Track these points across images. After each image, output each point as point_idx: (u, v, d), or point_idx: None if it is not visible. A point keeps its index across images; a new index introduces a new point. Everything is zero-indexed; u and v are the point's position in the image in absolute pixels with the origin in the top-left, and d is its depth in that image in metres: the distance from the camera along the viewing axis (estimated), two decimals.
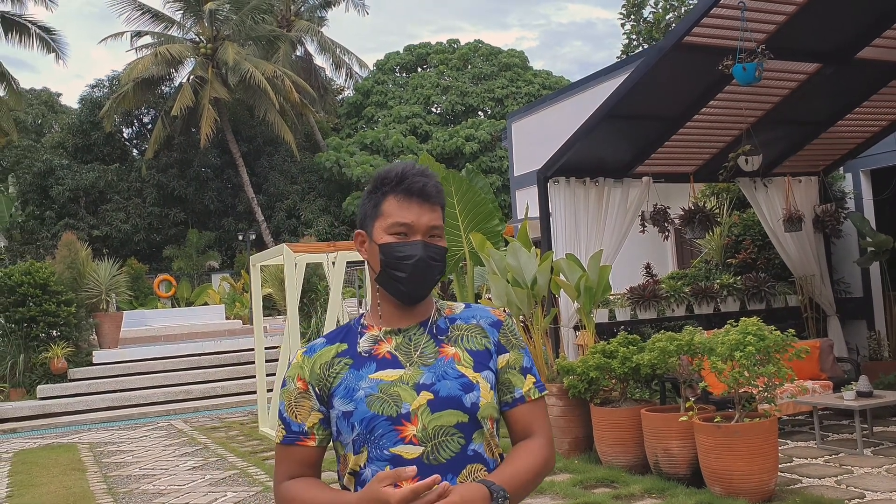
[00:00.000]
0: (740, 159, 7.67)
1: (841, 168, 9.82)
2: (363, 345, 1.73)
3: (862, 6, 6.94)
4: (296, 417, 1.73)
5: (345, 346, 1.74)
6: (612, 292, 9.13)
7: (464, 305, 1.81)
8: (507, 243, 9.29)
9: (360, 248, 1.79)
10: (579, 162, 8.28)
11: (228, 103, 31.59)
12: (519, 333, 1.80)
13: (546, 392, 1.79)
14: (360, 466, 1.65)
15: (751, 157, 7.61)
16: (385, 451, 1.62)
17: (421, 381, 1.66)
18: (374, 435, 1.63)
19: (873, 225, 9.48)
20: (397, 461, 1.61)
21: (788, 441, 7.34)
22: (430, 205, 1.71)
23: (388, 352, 1.71)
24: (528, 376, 1.75)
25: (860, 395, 6.80)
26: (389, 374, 1.68)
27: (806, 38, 7.13)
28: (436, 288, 9.25)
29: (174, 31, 32.41)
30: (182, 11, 31.85)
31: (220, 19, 31.20)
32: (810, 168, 9.43)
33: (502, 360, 1.74)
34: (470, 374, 1.67)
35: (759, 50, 6.32)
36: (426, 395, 1.64)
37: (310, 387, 1.72)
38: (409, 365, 1.69)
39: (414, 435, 1.62)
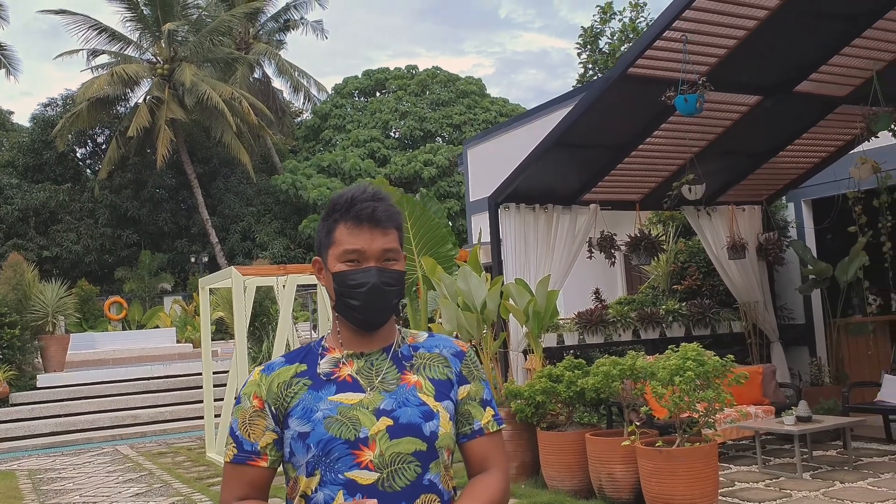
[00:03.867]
0: (684, 188, 7.85)
1: (783, 198, 10.10)
2: (323, 366, 1.70)
3: (799, 42, 7.18)
4: (249, 436, 1.68)
5: (304, 367, 1.71)
6: (563, 317, 9.24)
7: (427, 334, 1.80)
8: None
9: (318, 275, 1.78)
10: (529, 189, 8.39)
11: (185, 124, 31.33)
12: (480, 366, 1.80)
13: (504, 426, 1.78)
14: (311, 490, 1.61)
15: (694, 187, 7.80)
16: (339, 475, 1.59)
17: (381, 407, 1.64)
18: (330, 458, 1.60)
19: (814, 253, 9.75)
20: (351, 486, 1.58)
21: (732, 465, 7.46)
22: (381, 229, 1.68)
23: (349, 375, 1.69)
24: (488, 409, 1.74)
25: (800, 419, 6.95)
26: (349, 398, 1.66)
27: (746, 72, 7.36)
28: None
29: (131, 51, 32.12)
30: (139, 32, 31.60)
31: (178, 40, 31.02)
32: (753, 197, 9.68)
33: (463, 391, 1.72)
34: (431, 402, 1.66)
35: (701, 82, 6.51)
36: (385, 421, 1.62)
37: (266, 405, 1.68)
38: (370, 389, 1.67)
39: (370, 460, 1.59)
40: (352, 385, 1.68)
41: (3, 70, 28.58)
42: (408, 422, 1.63)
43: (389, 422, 1.62)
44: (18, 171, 32.99)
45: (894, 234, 8.46)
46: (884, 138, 8.05)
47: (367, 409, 1.64)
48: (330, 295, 1.74)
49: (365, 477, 1.59)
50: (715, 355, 5.94)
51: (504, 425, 1.79)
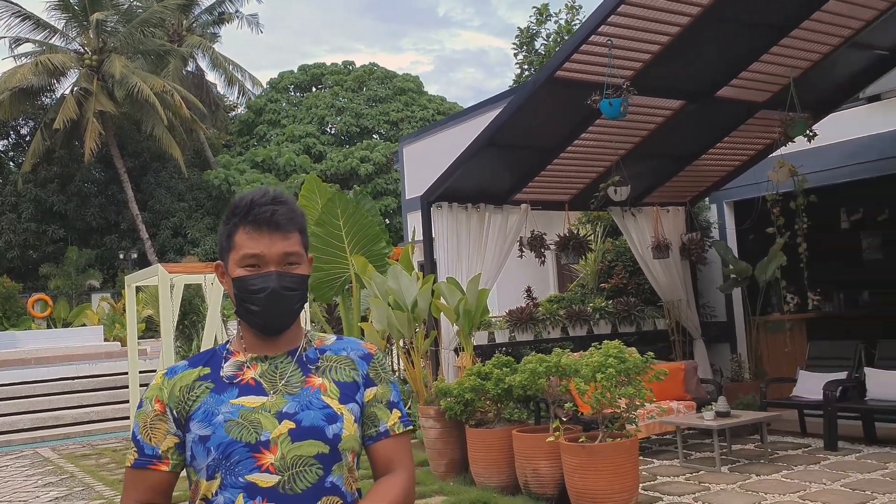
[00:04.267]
0: (610, 190, 8.03)
1: (706, 199, 10.42)
2: (227, 370, 1.71)
3: (720, 49, 7.42)
4: (150, 440, 1.68)
5: (207, 371, 1.71)
6: (497, 315, 9.36)
7: (335, 337, 1.81)
8: None
9: (221, 279, 1.77)
10: (461, 188, 8.46)
11: (114, 117, 30.51)
12: (389, 368, 1.81)
13: (412, 427, 1.78)
14: (212, 493, 1.61)
15: (619, 188, 7.99)
16: (240, 479, 1.59)
17: (283, 410, 1.64)
18: (231, 461, 1.60)
19: (735, 253, 10.09)
20: (252, 489, 1.59)
21: (654, 460, 7.66)
22: (281, 233, 1.68)
23: (252, 378, 1.69)
24: (395, 411, 1.75)
25: (719, 415, 7.18)
26: (252, 401, 1.66)
27: (670, 77, 7.56)
28: (322, 312, 9.11)
29: (57, 41, 31.10)
30: (66, 20, 30.61)
31: (107, 31, 30.16)
32: (677, 199, 9.96)
33: (369, 393, 1.73)
34: (335, 405, 1.67)
35: (625, 86, 6.67)
36: (288, 424, 1.63)
37: (167, 409, 1.68)
38: (273, 393, 1.68)
39: (271, 463, 1.60)
40: (255, 388, 1.68)
41: None
42: (310, 424, 1.64)
43: (292, 425, 1.63)
44: None
45: (810, 235, 8.81)
46: (800, 143, 8.37)
47: (270, 412, 1.64)
48: (232, 300, 1.74)
49: (265, 480, 1.60)
50: (637, 352, 6.10)
51: (411, 427, 1.79)
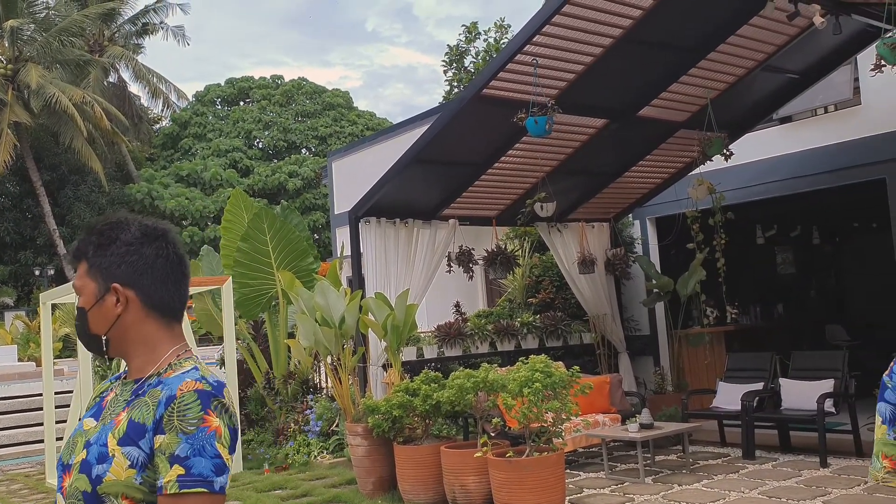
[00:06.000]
0: (536, 206, 8.15)
1: (630, 215, 10.67)
2: (110, 388, 1.74)
3: (641, 70, 7.63)
4: None
5: (109, 387, 1.74)
6: (426, 330, 9.35)
7: (186, 369, 1.66)
8: None
9: None
10: (390, 203, 8.46)
11: (30, 128, 29.44)
12: (194, 416, 1.55)
13: (200, 490, 1.51)
14: None
15: (545, 204, 8.11)
16: (57, 494, 1.65)
17: (90, 439, 1.62)
18: (57, 475, 1.66)
19: (658, 268, 10.35)
20: None
21: (581, 472, 7.76)
22: (74, 265, 1.72)
23: (108, 401, 1.70)
24: (176, 466, 1.51)
25: (643, 426, 7.33)
26: (88, 423, 1.68)
27: (593, 96, 7.74)
28: (248, 329, 8.84)
29: None
30: None
31: (23, 39, 29.15)
32: (602, 215, 10.17)
33: (157, 440, 1.56)
34: (112, 444, 1.58)
35: (550, 105, 6.79)
36: (83, 454, 1.61)
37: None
38: (101, 420, 1.67)
39: (66, 487, 1.62)
40: (101, 411, 1.70)
41: None
42: (86, 459, 1.60)
43: (84, 454, 1.61)
44: None
45: (728, 251, 9.11)
46: (718, 161, 8.66)
47: (86, 437, 1.65)
48: None
49: (60, 501, 1.64)
50: (563, 366, 6.19)
51: (198, 490, 1.51)
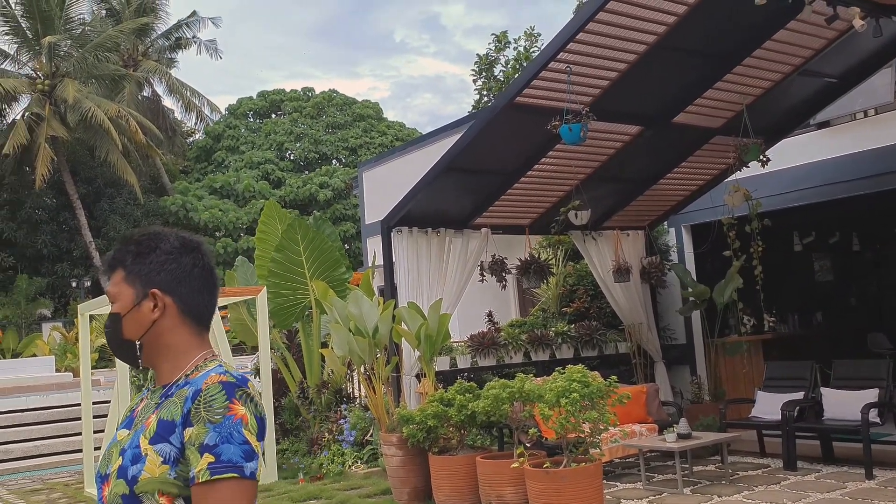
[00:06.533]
0: (570, 214, 8.09)
1: (665, 223, 10.56)
2: (139, 401, 1.79)
3: (675, 76, 7.57)
4: None
5: (139, 400, 1.80)
6: (459, 340, 9.33)
7: (209, 368, 1.70)
8: None
9: None
10: (422, 212, 8.45)
11: (67, 142, 29.98)
12: (220, 405, 1.59)
13: (231, 475, 1.55)
14: None
15: (580, 212, 8.05)
16: None
17: (125, 446, 1.67)
18: (97, 488, 1.71)
19: (694, 276, 10.22)
20: None
21: (618, 483, 7.66)
22: (109, 274, 1.77)
23: (138, 410, 1.75)
24: (206, 455, 1.56)
25: (680, 436, 7.22)
26: (121, 434, 1.72)
27: (627, 103, 7.68)
28: (282, 339, 8.88)
29: (7, 65, 30.56)
30: (17, 45, 30.10)
31: (59, 55, 29.72)
32: (637, 223, 10.08)
33: (186, 433, 1.60)
34: (144, 444, 1.63)
35: (584, 111, 6.74)
36: (119, 461, 1.65)
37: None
38: (133, 428, 1.71)
39: (106, 496, 1.66)
40: (132, 421, 1.74)
41: None
42: (124, 463, 1.64)
43: (120, 461, 1.66)
44: None
45: (765, 258, 8.97)
46: (754, 168, 8.54)
47: (120, 446, 1.69)
48: None
49: None
50: (600, 376, 6.12)
51: (229, 475, 1.55)
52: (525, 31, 25.35)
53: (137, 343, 1.72)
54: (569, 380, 5.90)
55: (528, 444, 7.02)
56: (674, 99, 7.91)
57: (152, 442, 1.62)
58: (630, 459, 8.44)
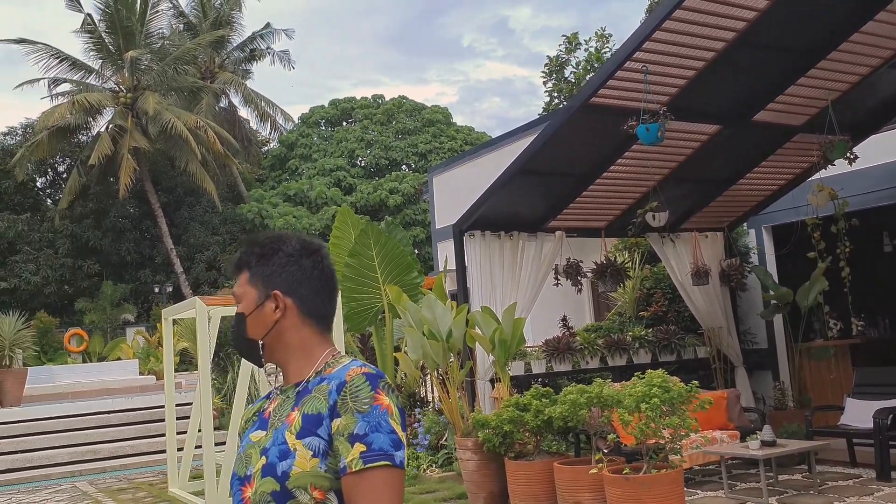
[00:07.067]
0: (648, 215, 7.94)
1: (744, 224, 10.26)
2: (268, 403, 1.81)
3: (756, 73, 7.35)
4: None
5: (265, 403, 1.83)
6: (531, 344, 9.25)
7: (343, 364, 1.73)
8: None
9: None
10: (494, 216, 8.42)
11: (148, 153, 31.01)
12: (366, 395, 1.62)
13: (383, 463, 1.56)
14: None
15: (658, 214, 7.89)
16: None
17: (266, 445, 1.69)
18: (232, 491, 1.73)
19: (776, 279, 9.89)
20: None
21: (699, 490, 7.47)
22: (235, 275, 1.82)
23: (270, 412, 1.77)
24: (357, 445, 1.57)
25: (764, 444, 6.99)
26: (256, 435, 1.75)
27: (706, 102, 7.50)
28: (355, 342, 9.00)
29: (93, 80, 31.81)
30: (102, 60, 31.33)
31: (140, 69, 30.79)
32: (715, 224, 9.82)
33: (334, 425, 1.62)
34: (291, 440, 1.65)
35: (662, 111, 6.61)
36: (262, 460, 1.67)
37: (240, 439, 1.84)
38: (270, 427, 1.73)
39: (249, 497, 1.67)
40: (265, 422, 1.77)
41: None
42: (270, 461, 1.66)
43: (263, 460, 1.67)
44: None
45: (852, 259, 8.62)
46: (840, 166, 8.22)
47: (259, 447, 1.71)
48: None
49: None
50: (680, 381, 5.97)
51: (381, 463, 1.56)
52: (596, 32, 25.11)
53: (260, 342, 1.76)
54: (649, 384, 5.77)
55: (606, 450, 6.91)
56: (754, 96, 7.69)
57: (300, 437, 1.64)
58: (710, 467, 8.22)
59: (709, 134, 8.03)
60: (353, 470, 1.57)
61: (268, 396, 1.85)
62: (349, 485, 1.59)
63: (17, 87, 39.29)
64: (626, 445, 6.91)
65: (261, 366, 1.82)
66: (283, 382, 1.80)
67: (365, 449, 1.57)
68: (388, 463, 1.57)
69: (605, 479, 5.85)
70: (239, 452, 1.76)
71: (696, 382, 6.05)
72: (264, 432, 1.74)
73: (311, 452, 1.62)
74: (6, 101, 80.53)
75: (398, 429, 1.61)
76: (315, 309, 1.78)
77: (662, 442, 5.95)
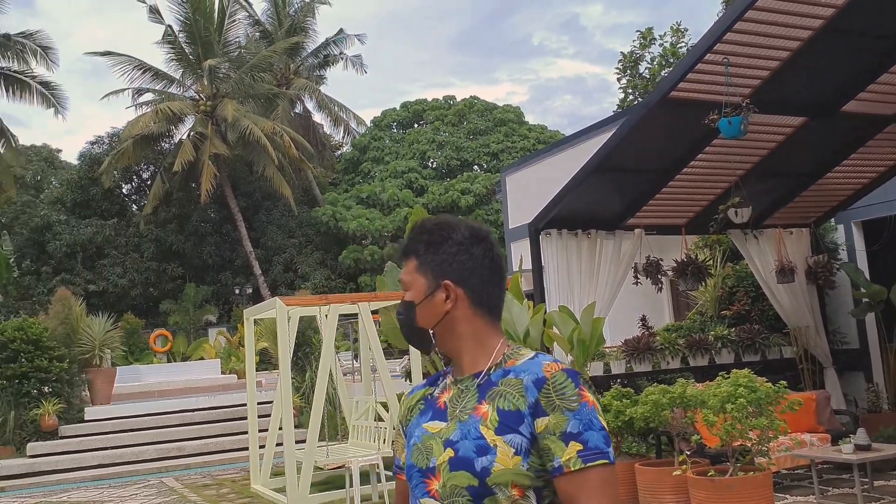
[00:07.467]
0: (730, 211, 7.72)
1: (832, 219, 9.88)
2: (436, 392, 1.77)
3: (844, 62, 7.06)
4: (396, 452, 1.86)
5: (431, 391, 1.79)
6: (608, 345, 9.11)
7: (529, 356, 1.68)
8: None
9: None
10: (571, 214, 8.32)
11: (227, 159, 31.89)
12: (572, 393, 1.58)
13: (601, 462, 1.54)
14: None
15: (740, 210, 7.67)
16: (418, 501, 1.68)
17: (450, 437, 1.65)
18: (412, 483, 1.70)
19: (867, 276, 9.49)
20: None
21: (787, 495, 7.22)
22: (402, 261, 1.78)
23: (444, 402, 1.73)
24: (572, 444, 1.54)
25: (859, 448, 6.71)
26: (434, 426, 1.71)
27: (791, 93, 7.25)
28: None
29: (174, 89, 32.90)
30: (182, 70, 32.38)
31: (219, 77, 31.69)
32: (801, 219, 9.48)
33: (540, 424, 1.58)
34: (489, 436, 1.60)
35: (745, 104, 6.42)
36: (449, 453, 1.63)
37: (401, 426, 1.82)
38: (451, 419, 1.69)
39: (436, 490, 1.64)
40: (442, 413, 1.72)
41: (52, 109, 29.45)
42: (463, 455, 1.61)
43: (451, 453, 1.63)
44: (67, 207, 33.87)
45: None
46: None
47: (441, 438, 1.67)
48: None
49: None
50: (767, 382, 5.78)
51: (599, 462, 1.53)
52: (671, 27, 24.61)
53: (431, 331, 1.73)
54: (734, 384, 5.61)
55: (689, 452, 6.74)
56: (843, 86, 7.39)
57: (499, 433, 1.59)
58: (798, 471, 7.94)
59: (794, 126, 7.76)
60: (572, 469, 1.54)
61: (430, 384, 1.82)
62: (568, 484, 1.55)
63: (103, 97, 40.99)
64: (709, 447, 6.73)
65: (429, 353, 1.80)
66: (456, 371, 1.75)
67: (581, 447, 1.54)
68: (605, 461, 1.54)
69: (689, 481, 5.71)
70: (415, 442, 1.72)
71: (783, 383, 5.85)
72: (444, 423, 1.69)
73: (514, 450, 1.58)
74: (94, 112, 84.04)
75: (606, 424, 1.59)
76: (486, 299, 1.72)
77: (749, 444, 5.78)
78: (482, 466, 1.58)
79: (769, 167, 8.24)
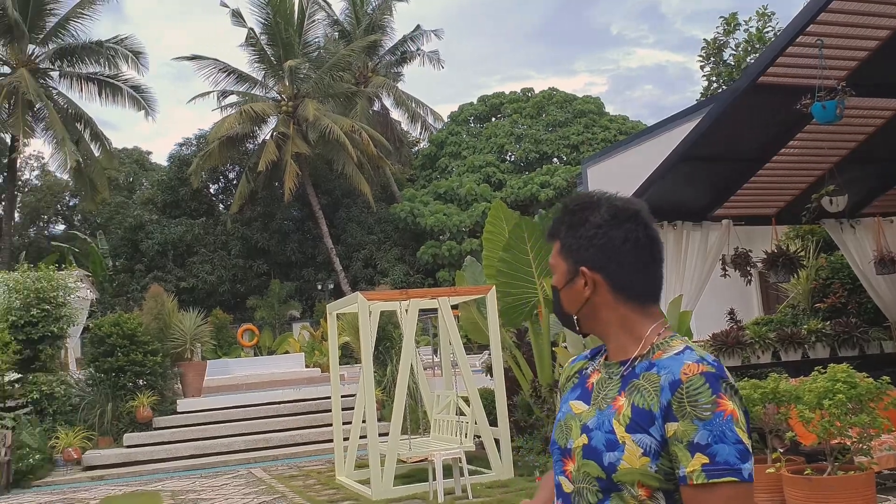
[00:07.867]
0: (824, 200, 7.41)
1: None
2: (590, 369, 1.72)
3: None
4: None
5: (587, 366, 1.75)
6: (695, 339, 8.88)
7: (677, 350, 1.57)
8: None
9: None
10: (656, 205, 8.11)
11: (309, 158, 32.51)
12: (706, 401, 1.46)
13: (729, 479, 1.41)
14: None
15: (835, 198, 7.35)
16: (557, 476, 1.68)
17: (588, 423, 1.61)
18: (554, 458, 1.71)
19: None
20: (559, 489, 1.67)
21: (890, 497, 6.88)
22: (549, 243, 1.72)
23: (592, 383, 1.68)
24: (698, 455, 1.44)
25: None
26: (578, 406, 1.67)
27: (890, 74, 6.90)
28: (511, 338, 8.92)
29: (257, 91, 33.73)
30: (265, 71, 33.17)
31: (300, 77, 32.31)
32: None
33: (669, 428, 1.49)
34: (620, 432, 1.54)
35: (840, 87, 6.14)
36: (584, 439, 1.60)
37: (559, 393, 1.88)
38: (593, 403, 1.64)
39: (571, 471, 1.63)
40: (587, 394, 1.68)
41: (143, 112, 30.64)
42: (594, 446, 1.57)
43: (585, 440, 1.60)
44: (158, 207, 35.23)
45: None
46: None
47: (581, 421, 1.64)
48: None
49: (566, 485, 1.65)
50: (867, 377, 5.52)
51: (727, 479, 1.41)
52: (757, 11, 23.71)
53: (575, 316, 1.68)
54: (832, 380, 5.37)
55: (782, 450, 6.50)
56: None
57: (629, 430, 1.53)
58: None
59: (893, 109, 7.39)
60: (695, 483, 1.44)
61: (590, 356, 1.77)
62: (690, 497, 1.47)
63: (190, 100, 42.41)
64: (804, 445, 6.48)
65: (579, 334, 1.75)
66: (608, 356, 1.69)
67: (707, 461, 1.43)
68: (734, 479, 1.41)
69: (784, 479, 5.50)
70: (560, 419, 1.70)
71: (886, 378, 5.57)
72: (587, 406, 1.65)
73: (642, 450, 1.51)
74: (182, 115, 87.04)
75: (745, 437, 1.45)
76: (629, 284, 1.62)
77: (848, 442, 5.53)
78: (609, 462, 1.54)
79: (866, 153, 7.87)
